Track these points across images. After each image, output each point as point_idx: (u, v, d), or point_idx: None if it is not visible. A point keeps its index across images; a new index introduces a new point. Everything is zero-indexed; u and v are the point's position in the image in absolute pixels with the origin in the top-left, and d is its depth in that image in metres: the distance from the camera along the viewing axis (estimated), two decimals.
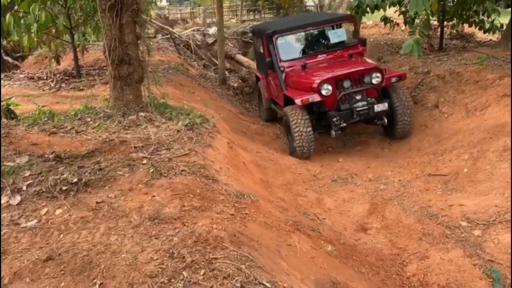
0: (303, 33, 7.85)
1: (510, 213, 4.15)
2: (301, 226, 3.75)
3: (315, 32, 7.90)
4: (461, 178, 5.29)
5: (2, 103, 4.60)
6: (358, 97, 6.40)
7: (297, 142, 6.43)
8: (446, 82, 7.55)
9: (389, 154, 6.83)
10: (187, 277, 2.17)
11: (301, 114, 6.44)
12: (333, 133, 6.52)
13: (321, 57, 7.42)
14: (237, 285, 2.13)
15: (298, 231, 3.54)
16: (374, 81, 6.47)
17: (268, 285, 2.23)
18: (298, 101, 6.27)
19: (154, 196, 3.02)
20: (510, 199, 4.34)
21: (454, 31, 10.76)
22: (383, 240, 4.29)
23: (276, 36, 7.46)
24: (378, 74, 6.48)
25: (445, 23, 9.60)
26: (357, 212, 4.86)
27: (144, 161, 3.49)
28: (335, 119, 6.30)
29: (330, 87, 6.35)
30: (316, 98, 6.31)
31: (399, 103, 6.64)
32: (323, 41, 7.82)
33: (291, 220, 3.72)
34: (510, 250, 3.72)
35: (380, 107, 6.35)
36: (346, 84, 6.43)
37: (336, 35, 7.53)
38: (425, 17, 6.59)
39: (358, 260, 3.76)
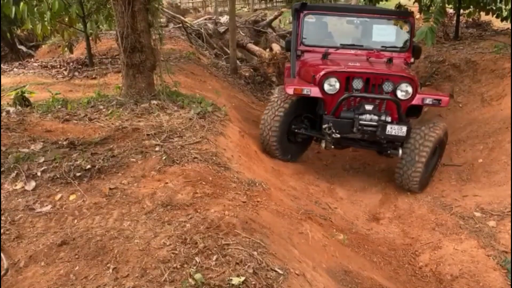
0: (340, 19, 6.13)
1: None
2: (313, 215, 3.74)
3: (357, 21, 6.03)
4: (475, 168, 5.22)
5: (17, 91, 4.65)
6: (369, 107, 4.79)
7: (260, 129, 5.31)
8: (461, 71, 7.42)
9: None
10: (199, 262, 2.18)
11: (281, 102, 5.17)
12: (323, 144, 5.15)
13: (352, 52, 5.68)
14: (250, 271, 2.13)
15: (310, 220, 3.53)
16: (399, 95, 4.72)
17: (280, 271, 2.23)
18: (289, 89, 4.84)
19: (166, 183, 3.03)
20: None
21: (470, 19, 10.53)
22: (396, 230, 4.26)
23: (305, 12, 5.85)
24: (409, 87, 4.68)
25: (461, 11, 9.40)
26: (369, 202, 4.83)
27: (157, 148, 3.50)
28: (326, 125, 4.77)
29: (337, 84, 4.80)
30: (313, 92, 4.81)
31: (410, 145, 4.78)
32: (365, 35, 6.01)
33: (302, 209, 3.71)
34: None
35: (395, 129, 4.66)
36: (357, 85, 4.83)
37: (383, 33, 5.81)
38: (440, 4, 6.45)
39: (370, 249, 3.74)
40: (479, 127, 6.00)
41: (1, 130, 3.62)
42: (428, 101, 4.75)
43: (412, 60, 5.76)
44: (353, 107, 4.88)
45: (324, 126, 4.80)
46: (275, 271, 2.22)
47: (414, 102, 4.76)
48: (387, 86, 4.77)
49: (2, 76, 6.78)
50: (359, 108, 4.82)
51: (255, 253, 2.31)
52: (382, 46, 5.66)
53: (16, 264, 2.26)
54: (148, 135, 3.78)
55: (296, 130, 5.33)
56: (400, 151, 4.85)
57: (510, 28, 7.72)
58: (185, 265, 2.16)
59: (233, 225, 2.57)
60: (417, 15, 10.97)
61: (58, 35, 8.13)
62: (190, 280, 2.05)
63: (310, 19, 5.96)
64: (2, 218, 2.60)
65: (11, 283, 2.14)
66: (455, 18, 9.66)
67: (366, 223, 4.38)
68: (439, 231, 4.07)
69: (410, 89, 4.68)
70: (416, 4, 9.56)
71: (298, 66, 5.79)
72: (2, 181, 2.96)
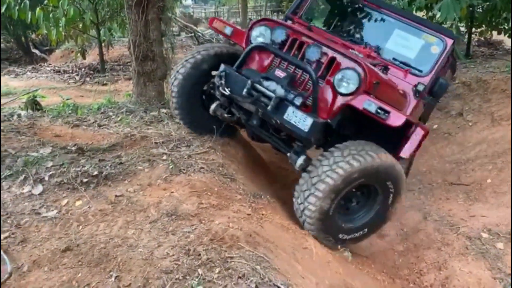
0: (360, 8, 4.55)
1: None
2: None
3: (378, 17, 4.43)
4: (484, 188, 5.16)
5: (29, 95, 4.72)
6: (280, 74, 3.36)
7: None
8: (471, 89, 7.38)
9: None
10: (202, 274, 2.17)
11: (196, 53, 3.95)
12: (212, 107, 3.84)
13: (347, 42, 4.13)
14: (252, 286, 2.12)
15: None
16: (336, 82, 3.22)
17: (282, 287, 2.21)
18: (213, 23, 3.94)
19: (172, 192, 3.04)
20: None
21: (482, 38, 10.52)
22: (401, 248, 4.21)
23: None
24: (354, 79, 3.14)
25: (473, 29, 9.40)
26: None
27: (164, 157, 3.52)
28: (219, 72, 3.50)
29: (267, 32, 3.55)
30: (234, 34, 3.78)
31: (313, 167, 3.27)
32: (380, 37, 4.38)
33: None
34: None
35: (297, 116, 3.20)
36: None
37: (404, 43, 4.28)
38: (454, 22, 6.45)
39: (374, 267, 3.70)
40: (489, 146, 5.95)
41: (12, 133, 3.66)
42: (371, 107, 3.07)
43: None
44: (266, 74, 3.46)
45: (216, 72, 3.53)
46: (278, 286, 2.20)
47: (352, 102, 3.18)
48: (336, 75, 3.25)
49: (15, 79, 6.88)
50: (269, 72, 3.46)
51: (258, 267, 2.30)
52: (394, 58, 4.12)
53: (20, 268, 2.27)
54: (156, 143, 3.80)
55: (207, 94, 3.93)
56: (300, 161, 3.35)
57: (511, 44, 7.68)
58: (188, 277, 2.16)
59: (237, 237, 2.56)
60: None
61: (72, 40, 8.26)
62: None
63: None
64: (8, 221, 2.62)
65: (14, 287, 2.14)
66: (466, 36, 9.65)
67: (371, 239, 4.34)
68: (445, 251, 4.02)
69: (354, 81, 3.11)
70: None
71: None
72: (10, 184, 2.99)
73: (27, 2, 6.46)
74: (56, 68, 8.42)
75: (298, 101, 3.24)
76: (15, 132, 3.71)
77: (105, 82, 7.15)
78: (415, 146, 3.98)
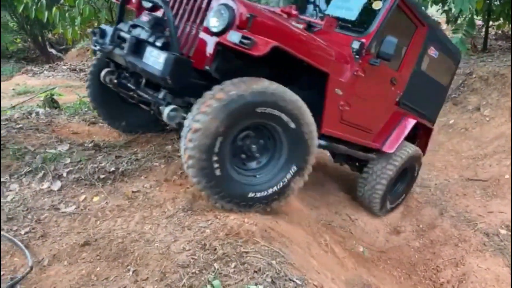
0: None
1: None
2: (333, 226, 3.71)
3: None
4: (502, 184, 5.09)
5: (46, 93, 4.79)
6: (145, 19, 2.92)
7: None
8: (489, 84, 7.26)
9: (425, 156, 6.65)
10: (218, 269, 2.19)
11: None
12: (101, 74, 3.41)
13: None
14: (268, 280, 2.13)
15: (330, 230, 3.51)
16: (206, 20, 2.77)
17: (298, 282, 2.21)
18: None
19: (188, 188, 3.06)
20: None
21: (500, 31, 10.32)
22: (417, 244, 4.18)
23: None
24: (223, 14, 2.61)
25: (490, 22, 9.23)
26: (390, 214, 4.75)
27: (179, 154, 3.54)
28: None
29: None
30: None
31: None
32: (323, 5, 4.09)
33: (322, 219, 3.69)
34: None
35: (153, 56, 2.76)
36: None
37: (347, 5, 3.84)
38: (469, 16, 6.35)
39: (390, 263, 3.68)
40: (507, 141, 5.86)
41: (31, 130, 3.73)
42: (233, 37, 2.53)
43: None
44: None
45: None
46: (293, 281, 2.21)
47: (222, 40, 2.63)
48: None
49: (33, 78, 7.00)
50: (137, 19, 3.12)
51: (274, 262, 2.31)
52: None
53: (40, 262, 2.32)
54: (171, 139, 3.83)
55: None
56: (165, 113, 2.80)
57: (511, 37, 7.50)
58: (204, 271, 2.18)
59: (252, 232, 2.58)
60: (444, 26, 10.83)
61: (87, 39, 8.36)
62: (208, 286, 2.06)
63: None
64: (29, 216, 2.67)
65: (35, 281, 2.19)
66: (483, 30, 9.48)
67: (387, 235, 4.32)
68: (462, 247, 3.98)
69: (224, 16, 2.59)
70: (443, 15, 9.42)
71: None
72: (29, 180, 3.05)
73: (44, 1, 6.57)
74: (72, 66, 8.54)
75: (159, 42, 2.76)
76: (33, 129, 3.78)
77: None
78: (401, 137, 4.14)
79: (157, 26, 2.90)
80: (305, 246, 2.88)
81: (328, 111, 3.26)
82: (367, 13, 3.70)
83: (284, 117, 2.70)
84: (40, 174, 3.11)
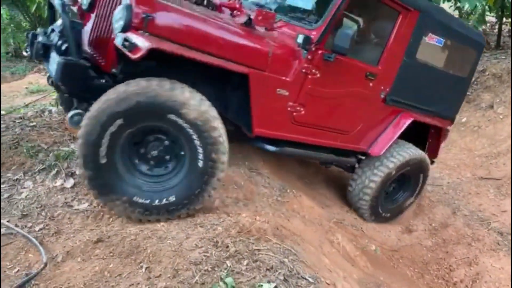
0: None
1: None
2: (344, 224, 3.69)
3: None
4: None
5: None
6: (58, 23, 3.03)
7: None
8: (502, 81, 7.16)
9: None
10: (230, 266, 2.19)
11: None
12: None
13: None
14: (280, 278, 2.13)
15: (341, 229, 3.49)
16: (114, 25, 2.53)
17: (311, 280, 2.21)
18: None
19: None
20: None
21: None
22: (429, 243, 4.14)
23: None
24: (123, 15, 2.44)
25: (504, 19, 9.10)
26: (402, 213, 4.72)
27: None
28: None
29: None
30: None
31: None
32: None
33: (334, 218, 3.67)
34: None
35: (54, 61, 2.71)
36: None
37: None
38: (480, 12, 6.27)
39: (402, 261, 3.66)
40: None
41: (44, 128, 3.77)
42: (118, 40, 2.40)
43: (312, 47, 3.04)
44: None
45: None
46: (306, 279, 2.20)
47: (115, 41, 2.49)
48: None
49: (45, 77, 7.06)
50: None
51: (286, 260, 2.30)
52: (291, 16, 3.31)
53: (54, 258, 2.34)
54: None
55: None
56: (68, 116, 2.73)
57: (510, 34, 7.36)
58: (216, 268, 2.18)
59: (264, 230, 2.57)
60: None
61: None
62: (220, 283, 2.06)
63: None
64: (43, 213, 2.70)
65: (49, 277, 2.21)
66: (497, 27, 9.35)
67: (399, 234, 4.28)
68: (475, 247, 3.93)
69: (122, 15, 2.43)
70: (456, 12, 9.31)
71: None
72: (43, 177, 3.08)
73: None
74: None
75: (64, 46, 2.69)
76: (47, 127, 3.82)
77: None
78: (391, 139, 3.69)
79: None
80: (317, 244, 2.87)
81: (259, 113, 2.95)
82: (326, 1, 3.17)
83: (177, 119, 2.48)
84: (54, 172, 3.14)
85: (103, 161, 2.46)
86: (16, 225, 2.54)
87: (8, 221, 2.56)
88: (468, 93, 7.38)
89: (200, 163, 2.57)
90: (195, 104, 2.49)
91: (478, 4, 5.22)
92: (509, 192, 4.91)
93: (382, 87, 3.58)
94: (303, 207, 3.36)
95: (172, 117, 2.46)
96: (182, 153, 2.62)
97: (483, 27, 8.94)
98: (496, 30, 9.48)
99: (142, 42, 2.34)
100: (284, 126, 3.17)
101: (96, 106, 2.42)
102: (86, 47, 2.83)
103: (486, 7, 7.76)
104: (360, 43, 3.46)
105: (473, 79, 7.57)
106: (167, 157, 2.66)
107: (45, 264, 2.27)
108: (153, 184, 2.63)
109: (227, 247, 2.34)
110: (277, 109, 3.07)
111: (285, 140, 3.24)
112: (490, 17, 9.64)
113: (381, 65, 3.47)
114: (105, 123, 2.41)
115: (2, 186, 2.94)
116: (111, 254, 2.36)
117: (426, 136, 4.32)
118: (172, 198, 2.60)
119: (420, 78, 3.80)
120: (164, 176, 2.66)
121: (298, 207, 3.29)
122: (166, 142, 2.63)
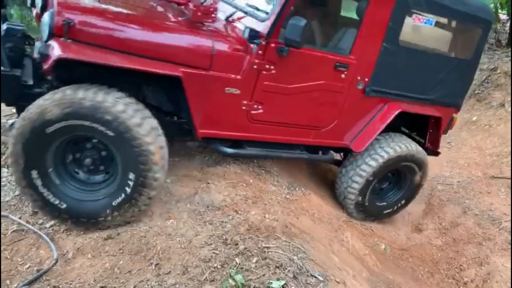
0: None
1: None
2: (354, 223, 3.67)
3: None
4: None
5: None
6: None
7: None
8: None
9: (447, 153, 6.52)
10: (239, 263, 2.19)
11: None
12: None
13: None
14: (290, 276, 2.12)
15: (351, 227, 3.47)
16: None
17: (320, 278, 2.20)
18: None
19: (208, 183, 3.07)
20: None
21: None
22: (439, 242, 4.11)
23: None
24: (45, 17, 2.46)
25: None
26: (412, 212, 4.68)
27: (200, 149, 3.56)
28: None
29: None
30: None
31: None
32: None
33: (343, 216, 3.65)
34: None
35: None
36: None
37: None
38: (493, 10, 6.19)
39: (412, 261, 3.63)
40: None
41: None
42: (36, 51, 2.49)
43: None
44: None
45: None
46: (315, 277, 2.20)
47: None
48: None
49: None
50: None
51: (295, 257, 2.30)
52: (245, 11, 3.02)
53: (65, 255, 2.36)
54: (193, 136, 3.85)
55: None
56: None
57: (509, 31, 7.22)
58: (226, 265, 2.18)
59: (273, 228, 2.57)
60: None
61: None
62: (230, 280, 2.06)
63: None
64: None
65: (60, 273, 2.23)
66: (508, 24, 9.24)
67: (409, 233, 4.25)
68: (486, 246, 3.89)
69: (46, 23, 2.41)
70: None
71: None
72: None
73: None
74: None
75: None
76: None
77: None
78: (374, 132, 3.38)
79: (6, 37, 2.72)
80: (326, 242, 2.86)
81: (203, 113, 2.80)
82: None
83: (96, 126, 2.34)
84: None
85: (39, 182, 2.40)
86: (28, 222, 2.56)
87: (19, 218, 2.58)
88: (478, 91, 7.31)
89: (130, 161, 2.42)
90: (118, 110, 2.32)
91: (491, 1, 5.14)
92: None
93: (359, 78, 3.25)
94: (312, 205, 3.35)
95: (96, 126, 2.34)
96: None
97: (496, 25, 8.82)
98: (507, 28, 9.36)
99: (55, 51, 2.26)
100: (240, 126, 3.00)
101: (18, 124, 2.32)
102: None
103: (498, 4, 7.67)
104: (328, 32, 3.24)
105: (484, 77, 7.49)
106: (101, 167, 2.57)
107: (56, 260, 2.29)
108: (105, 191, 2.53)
109: (237, 244, 2.34)
110: (229, 109, 2.89)
111: (249, 141, 3.07)
112: (501, 15, 9.52)
113: (355, 54, 3.15)
114: (29, 139, 2.31)
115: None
116: (121, 251, 2.37)
117: (421, 127, 3.97)
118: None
119: (408, 65, 3.43)
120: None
121: (307, 205, 3.28)
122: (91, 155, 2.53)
